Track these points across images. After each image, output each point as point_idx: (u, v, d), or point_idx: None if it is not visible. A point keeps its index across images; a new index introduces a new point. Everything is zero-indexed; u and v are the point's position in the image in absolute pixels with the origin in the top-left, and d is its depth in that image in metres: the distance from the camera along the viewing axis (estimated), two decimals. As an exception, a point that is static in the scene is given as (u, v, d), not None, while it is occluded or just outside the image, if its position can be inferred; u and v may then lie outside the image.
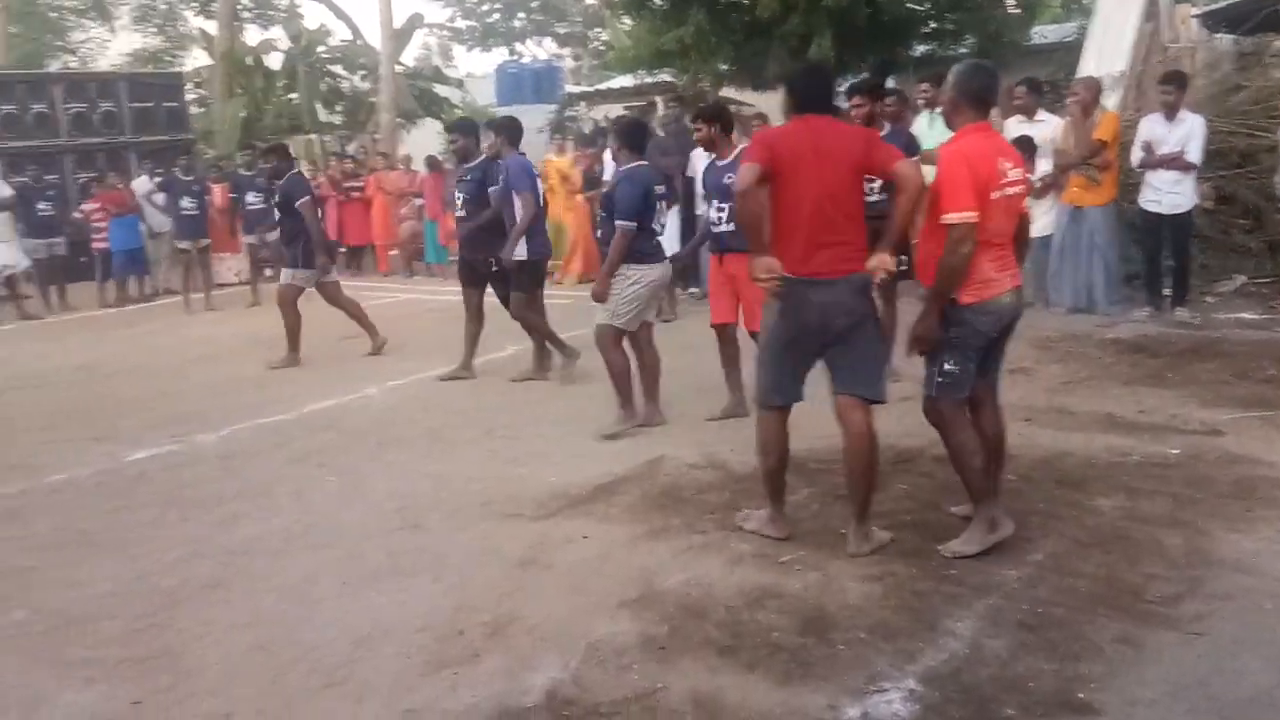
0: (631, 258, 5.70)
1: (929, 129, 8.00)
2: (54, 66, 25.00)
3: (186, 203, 12.03)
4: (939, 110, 7.86)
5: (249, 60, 21.57)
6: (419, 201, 13.72)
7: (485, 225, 7.07)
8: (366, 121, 21.35)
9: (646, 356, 6.00)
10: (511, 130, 7.14)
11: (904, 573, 3.77)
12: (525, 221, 6.80)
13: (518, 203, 6.82)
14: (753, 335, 5.74)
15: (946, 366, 3.92)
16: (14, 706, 3.23)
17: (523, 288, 7.02)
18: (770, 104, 12.90)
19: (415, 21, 23.79)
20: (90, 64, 28.51)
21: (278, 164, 8.51)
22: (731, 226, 5.61)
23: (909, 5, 12.34)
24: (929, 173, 3.98)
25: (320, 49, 22.21)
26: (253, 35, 25.77)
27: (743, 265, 5.66)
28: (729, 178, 5.62)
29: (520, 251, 6.86)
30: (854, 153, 3.87)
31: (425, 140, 20.29)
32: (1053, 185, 8.18)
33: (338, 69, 22.82)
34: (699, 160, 10.01)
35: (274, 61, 22.03)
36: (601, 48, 29.55)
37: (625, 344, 5.90)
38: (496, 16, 34.28)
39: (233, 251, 13.53)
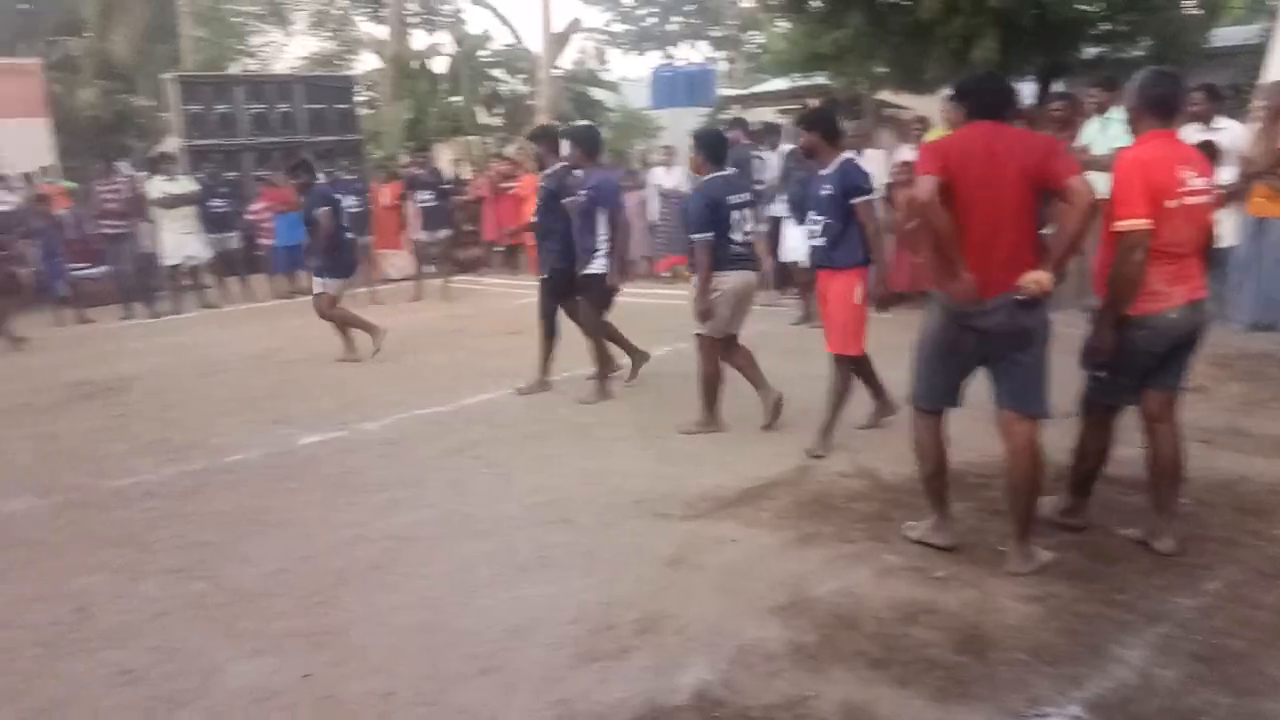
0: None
1: (1100, 134, 7.70)
2: (235, 69, 26.40)
3: (349, 201, 12.55)
4: (1110, 115, 7.62)
5: (415, 64, 22.33)
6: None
7: (558, 235, 6.97)
8: (524, 124, 21.81)
9: (736, 358, 6.09)
10: (588, 141, 6.95)
11: (1068, 594, 3.64)
12: (625, 242, 6.79)
13: (601, 220, 6.68)
14: (838, 362, 5.54)
15: (1099, 372, 3.92)
16: (194, 673, 3.44)
17: (595, 303, 6.89)
18: (929, 107, 12.63)
19: (574, 26, 24.19)
20: (269, 67, 30.01)
21: (305, 179, 8.98)
22: (823, 240, 5.46)
23: (1079, 6, 11.86)
24: (1097, 180, 3.84)
25: (482, 53, 22.80)
26: (419, 40, 26.70)
27: (831, 282, 5.49)
28: (825, 189, 5.42)
29: (598, 266, 6.75)
30: (1028, 160, 3.67)
31: (580, 142, 20.58)
32: (1235, 195, 7.74)
33: (498, 73, 23.38)
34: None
35: (439, 65, 22.73)
36: (756, 51, 29.45)
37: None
38: (652, 20, 34.62)
39: (398, 248, 14.04)
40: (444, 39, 25.05)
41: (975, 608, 3.59)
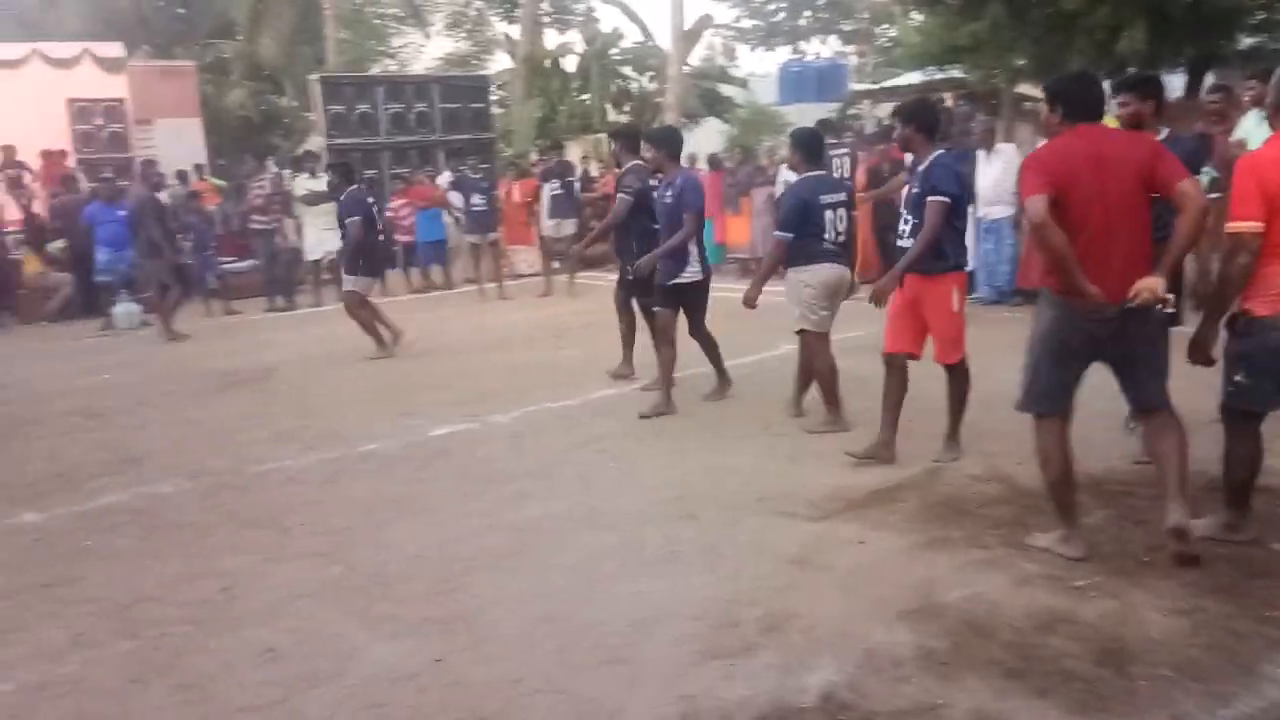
0: (799, 260, 5.82)
1: (1256, 128, 7.32)
2: (376, 70, 27.24)
3: (476, 199, 12.85)
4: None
5: (547, 63, 22.70)
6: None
7: (635, 233, 7.01)
8: (652, 121, 21.95)
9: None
10: (669, 143, 6.79)
11: (1217, 610, 3.46)
12: (680, 240, 6.44)
13: (685, 221, 6.44)
14: (949, 368, 5.26)
15: (1236, 377, 3.78)
16: (332, 654, 3.56)
17: (667, 305, 6.62)
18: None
19: (704, 23, 24.21)
20: (407, 68, 30.87)
21: (338, 181, 9.47)
22: (911, 242, 5.14)
23: (1234, -6, 11.29)
24: None
25: (612, 51, 23.02)
26: (551, 39, 27.09)
27: (925, 288, 5.11)
28: (914, 187, 5.15)
29: (689, 274, 6.52)
30: (1138, 162, 3.64)
31: (707, 140, 20.63)
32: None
33: (627, 70, 23.57)
34: (980, 162, 9.62)
35: (569, 64, 23.06)
36: (888, 44, 28.92)
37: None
38: (782, 15, 34.32)
39: (527, 244, 14.29)
40: (575, 38, 25.38)
41: (1116, 619, 3.45)
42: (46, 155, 14.81)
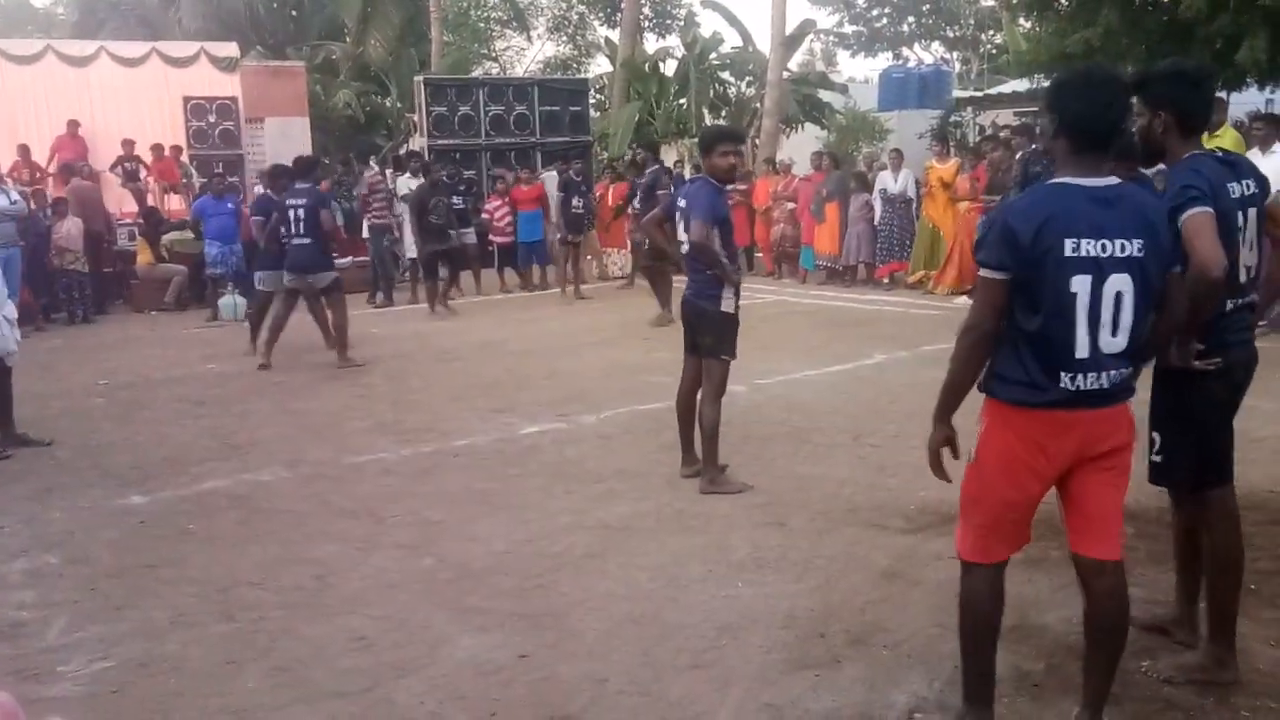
0: None
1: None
2: (478, 73, 27.62)
3: (576, 201, 12.93)
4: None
5: (646, 67, 22.76)
6: (790, 205, 13.79)
7: None
8: (749, 126, 21.83)
9: None
10: None
11: (1331, 644, 3.31)
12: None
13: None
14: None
15: None
16: (421, 644, 3.62)
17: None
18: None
19: (806, 28, 23.99)
20: (509, 71, 31.26)
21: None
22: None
23: (1369, 1, 10.76)
24: None
25: (712, 56, 22.97)
26: (651, 43, 27.21)
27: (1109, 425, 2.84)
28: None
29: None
30: None
31: (805, 144, 20.44)
32: None
33: (726, 75, 23.51)
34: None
35: (668, 68, 23.09)
36: (994, 51, 28.35)
37: None
38: (885, 21, 33.87)
39: (619, 247, 14.34)
40: (675, 42, 25.44)
41: (1223, 649, 3.31)
42: (156, 150, 15.36)
